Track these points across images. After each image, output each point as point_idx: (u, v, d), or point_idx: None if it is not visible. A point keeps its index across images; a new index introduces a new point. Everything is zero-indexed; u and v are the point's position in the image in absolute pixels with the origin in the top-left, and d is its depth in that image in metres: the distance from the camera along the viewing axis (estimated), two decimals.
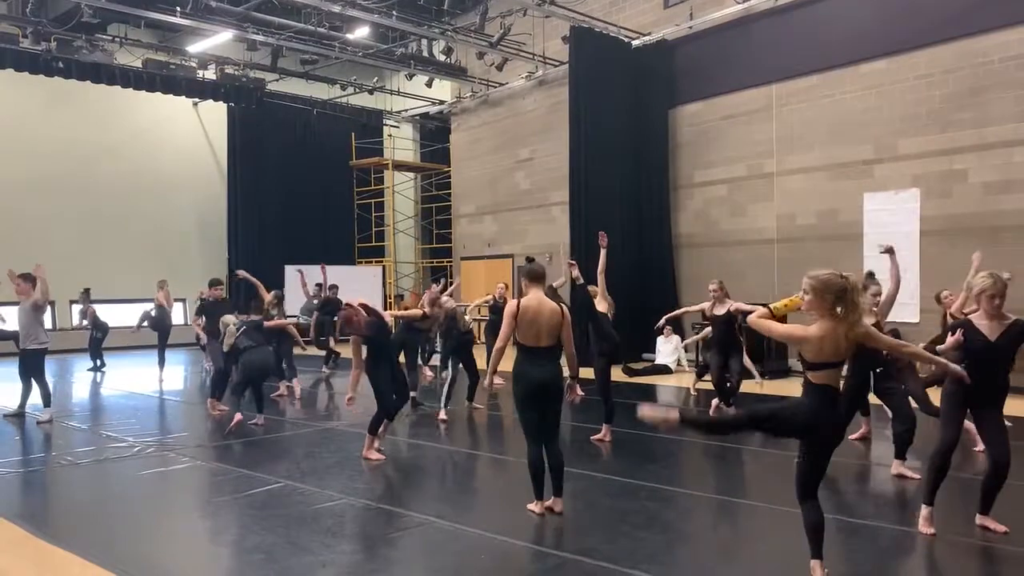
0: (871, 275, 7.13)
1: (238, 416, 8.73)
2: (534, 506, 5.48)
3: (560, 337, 5.44)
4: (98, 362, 14.16)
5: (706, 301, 9.25)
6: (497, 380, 5.76)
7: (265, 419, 9.00)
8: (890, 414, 6.69)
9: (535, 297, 5.45)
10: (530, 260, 5.89)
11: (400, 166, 22.39)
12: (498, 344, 5.41)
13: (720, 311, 9.00)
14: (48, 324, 17.35)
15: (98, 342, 14.21)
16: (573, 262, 8.39)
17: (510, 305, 5.43)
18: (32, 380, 9.42)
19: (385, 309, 19.74)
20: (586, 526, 5.39)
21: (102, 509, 5.99)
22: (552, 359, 5.43)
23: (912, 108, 12.21)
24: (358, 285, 16.22)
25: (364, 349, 7.00)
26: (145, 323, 13.71)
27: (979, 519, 5.04)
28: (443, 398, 9.34)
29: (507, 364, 5.44)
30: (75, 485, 6.68)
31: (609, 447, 7.74)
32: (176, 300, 18.46)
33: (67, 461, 7.32)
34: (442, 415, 9.16)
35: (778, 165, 13.93)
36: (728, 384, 9.11)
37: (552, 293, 10.37)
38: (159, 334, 13.48)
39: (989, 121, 11.43)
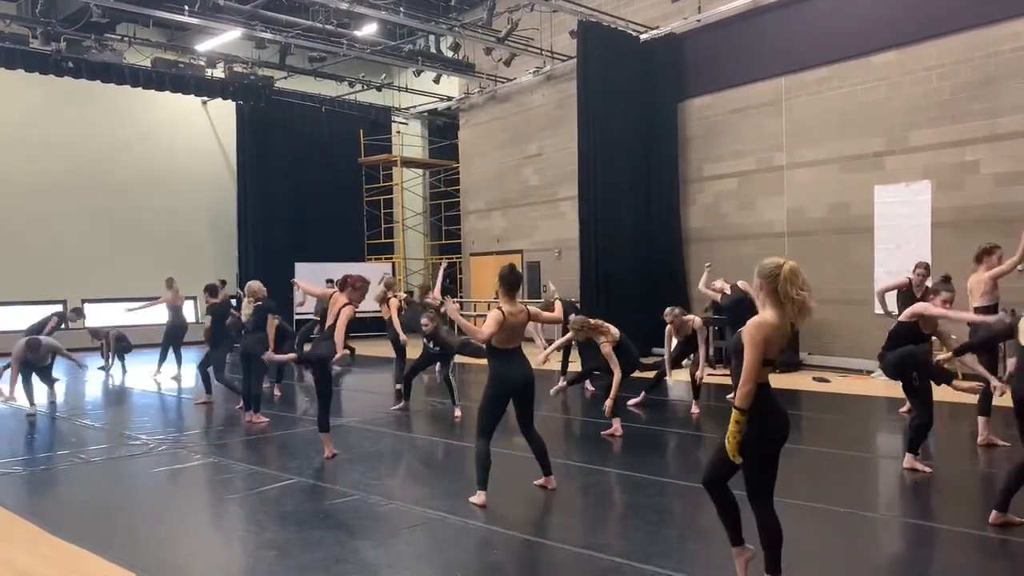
0: (947, 279, 7.25)
1: (249, 415, 8.86)
2: (477, 499, 5.53)
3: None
4: (110, 361, 14.16)
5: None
6: None
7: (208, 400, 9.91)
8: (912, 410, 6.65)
9: (515, 306, 5.65)
10: (511, 268, 5.89)
11: (409, 163, 22.41)
12: (481, 338, 5.56)
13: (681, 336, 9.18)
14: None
15: (122, 349, 14.10)
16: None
17: (496, 314, 5.55)
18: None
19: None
20: (598, 521, 5.39)
21: (115, 506, 6.03)
22: (523, 356, 5.73)
23: (923, 100, 12.13)
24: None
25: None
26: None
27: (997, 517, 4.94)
28: (453, 396, 9.33)
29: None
30: (89, 482, 6.72)
31: (620, 442, 7.73)
32: (187, 298, 18.55)
33: (80, 459, 7.36)
34: (457, 412, 9.15)
35: (788, 158, 13.86)
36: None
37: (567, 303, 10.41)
38: (173, 334, 13.19)
39: (1000, 112, 11.34)
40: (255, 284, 9.68)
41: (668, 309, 9.14)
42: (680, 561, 4.49)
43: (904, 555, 4.86)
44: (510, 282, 5.71)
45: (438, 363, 10.15)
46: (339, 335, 6.84)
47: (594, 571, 4.41)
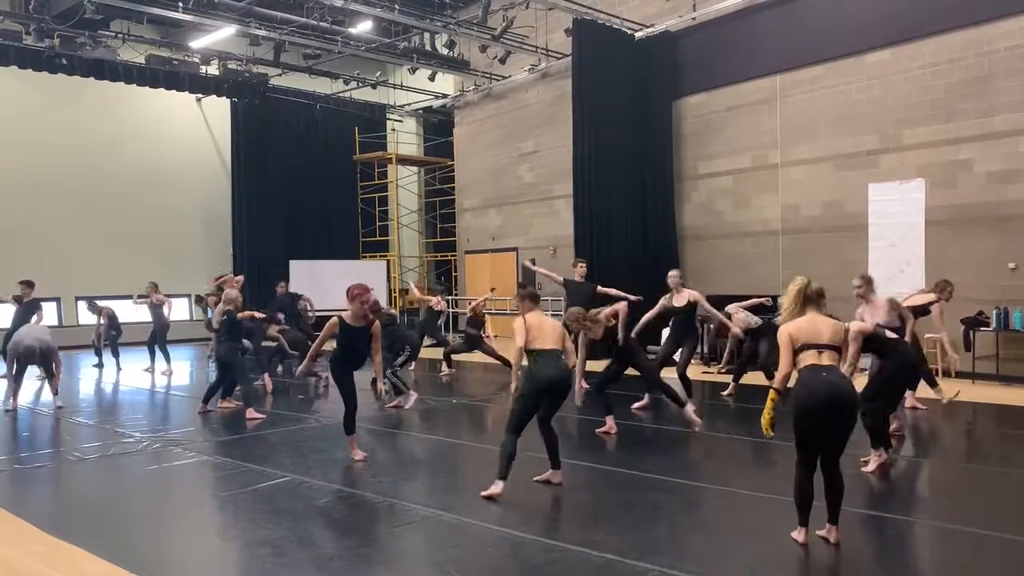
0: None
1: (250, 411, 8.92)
2: (495, 488, 5.60)
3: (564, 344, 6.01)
4: (103, 358, 14.16)
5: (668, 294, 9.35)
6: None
7: (236, 405, 9.55)
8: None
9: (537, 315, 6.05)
10: (522, 286, 6.48)
11: (404, 160, 22.37)
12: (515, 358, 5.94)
13: (680, 303, 9.17)
14: (55, 320, 17.60)
15: (114, 339, 14.11)
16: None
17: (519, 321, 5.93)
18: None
19: (389, 303, 19.80)
20: (592, 518, 5.40)
21: (109, 504, 6.02)
22: (557, 357, 5.89)
23: (917, 98, 12.16)
24: (362, 280, 16.23)
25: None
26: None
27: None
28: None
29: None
30: (82, 480, 6.72)
31: (614, 439, 7.74)
32: (181, 296, 18.51)
33: (74, 457, 7.34)
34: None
35: (783, 156, 13.89)
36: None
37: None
38: (159, 331, 13.41)
39: (994, 110, 11.37)
40: (232, 292, 9.75)
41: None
42: (674, 558, 4.50)
43: (890, 552, 4.87)
44: (532, 295, 6.21)
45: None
46: (315, 346, 7.13)
47: (588, 568, 4.41)
